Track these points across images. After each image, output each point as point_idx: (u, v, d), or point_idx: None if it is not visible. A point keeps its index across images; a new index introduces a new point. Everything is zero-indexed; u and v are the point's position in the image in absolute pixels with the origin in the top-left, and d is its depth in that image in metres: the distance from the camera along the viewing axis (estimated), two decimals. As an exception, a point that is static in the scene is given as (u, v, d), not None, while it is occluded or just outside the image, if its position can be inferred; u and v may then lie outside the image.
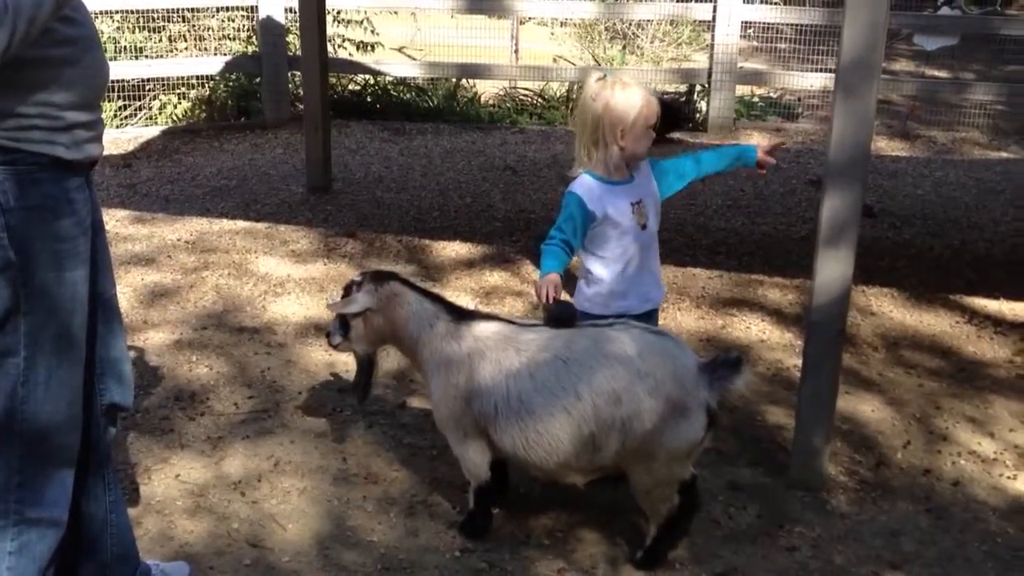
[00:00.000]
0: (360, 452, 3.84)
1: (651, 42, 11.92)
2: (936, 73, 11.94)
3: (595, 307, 3.40)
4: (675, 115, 9.18)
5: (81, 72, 2.31)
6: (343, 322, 3.33)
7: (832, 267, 3.44)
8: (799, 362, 3.79)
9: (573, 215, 3.31)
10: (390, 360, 4.41)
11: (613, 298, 3.42)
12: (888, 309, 5.35)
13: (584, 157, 3.40)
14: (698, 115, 9.54)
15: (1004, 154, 9.25)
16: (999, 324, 5.19)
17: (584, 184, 3.37)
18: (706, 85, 9.44)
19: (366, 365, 3.41)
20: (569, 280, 3.45)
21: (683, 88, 10.20)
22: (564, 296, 3.22)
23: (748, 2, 9.72)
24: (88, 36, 2.35)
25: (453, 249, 6.08)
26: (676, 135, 9.12)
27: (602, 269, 3.40)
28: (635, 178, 3.44)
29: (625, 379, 2.93)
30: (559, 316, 3.14)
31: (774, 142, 3.45)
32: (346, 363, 4.56)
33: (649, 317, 3.44)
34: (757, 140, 9.38)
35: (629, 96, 3.30)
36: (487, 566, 3.18)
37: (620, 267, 3.41)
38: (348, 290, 3.33)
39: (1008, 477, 3.80)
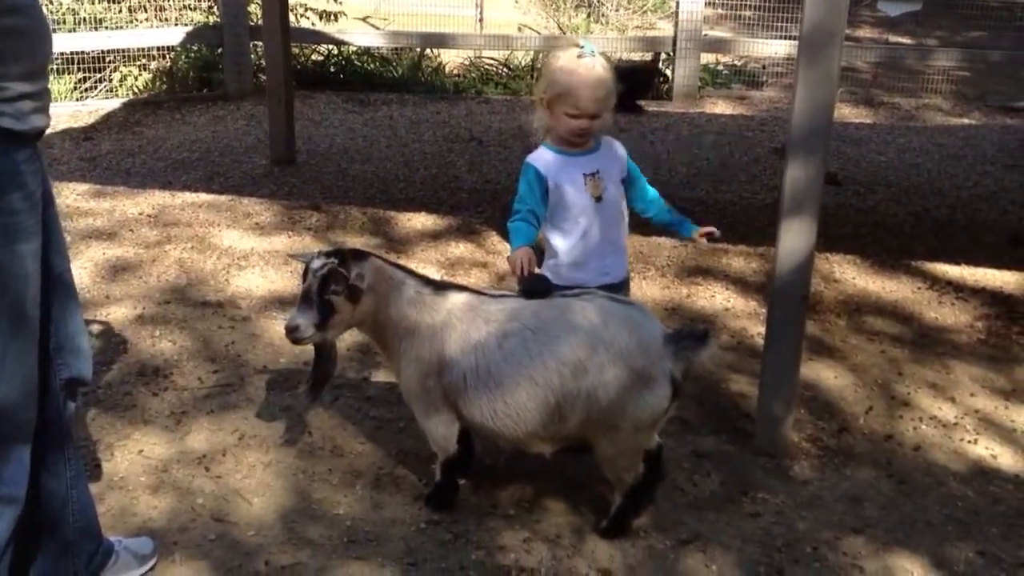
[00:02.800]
0: (325, 425, 3.83)
1: (616, 10, 11.88)
2: (899, 39, 12.00)
3: (554, 278, 3.41)
4: (643, 80, 9.13)
5: (26, 41, 2.26)
6: (325, 307, 3.01)
7: (795, 235, 3.45)
8: (763, 330, 3.81)
9: (532, 184, 3.33)
10: (354, 333, 4.39)
11: (568, 269, 3.41)
12: (851, 276, 5.39)
13: (538, 127, 3.43)
14: (663, 83, 9.53)
15: (966, 120, 9.33)
16: (960, 290, 5.24)
17: (539, 154, 3.39)
18: (671, 53, 9.43)
19: (329, 354, 3.22)
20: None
21: (648, 56, 10.16)
22: (539, 270, 3.22)
23: (713, -31, 9.72)
24: (31, 4, 2.30)
25: (419, 220, 6.05)
26: (642, 103, 9.10)
27: (559, 240, 3.40)
28: (596, 150, 3.42)
29: (590, 348, 2.93)
30: (533, 289, 3.13)
31: (709, 229, 3.48)
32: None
33: (616, 291, 3.43)
34: (721, 109, 9.40)
35: (579, 72, 3.27)
36: (453, 537, 3.18)
37: (574, 239, 3.40)
38: (307, 274, 3.03)
39: (968, 441, 3.84)
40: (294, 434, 3.77)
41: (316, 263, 3.00)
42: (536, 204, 3.31)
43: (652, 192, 3.58)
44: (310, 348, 4.37)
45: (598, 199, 3.38)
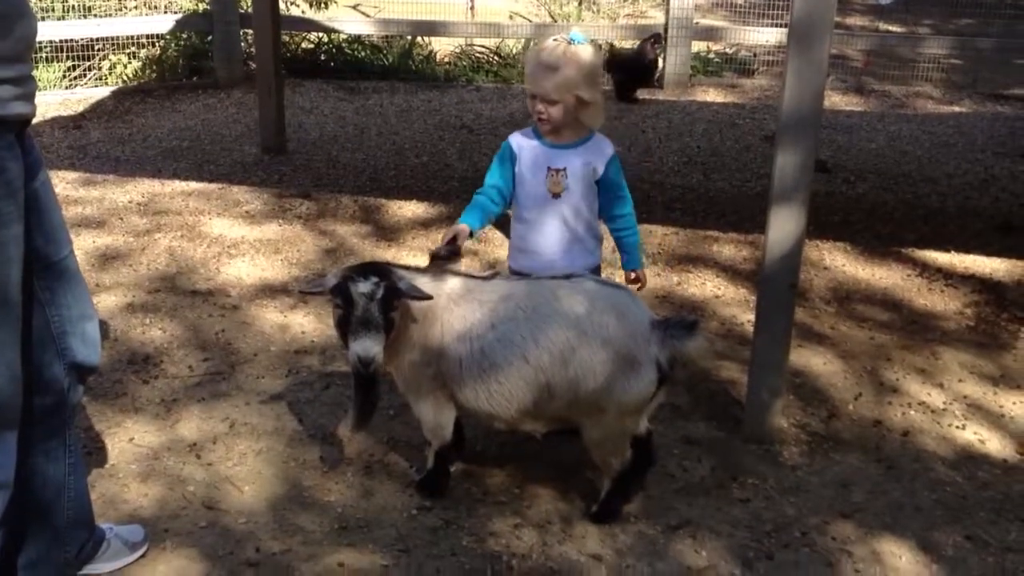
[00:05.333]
0: (316, 413, 3.83)
1: (607, -2, 11.87)
2: (890, 27, 12.01)
3: (510, 258, 3.47)
4: (641, 70, 9.07)
5: (7, 26, 2.24)
6: (390, 327, 2.91)
7: (785, 222, 3.46)
8: (753, 317, 3.82)
9: (503, 158, 3.42)
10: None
11: (515, 253, 3.50)
12: (841, 263, 5.41)
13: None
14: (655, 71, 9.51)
15: (957, 108, 9.33)
16: (950, 277, 5.26)
17: (521, 133, 3.47)
18: (662, 41, 9.41)
19: (375, 376, 3.02)
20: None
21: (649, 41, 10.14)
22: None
23: (704, -43, 9.70)
24: None
25: (409, 209, 6.05)
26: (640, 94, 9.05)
27: (515, 222, 3.49)
28: (578, 145, 3.42)
29: (578, 331, 2.95)
30: (438, 255, 3.20)
31: (636, 284, 3.52)
32: (302, 324, 4.54)
33: None
34: (713, 97, 9.39)
35: (541, 54, 3.31)
36: (443, 523, 3.19)
37: (525, 226, 3.46)
38: (354, 300, 2.87)
39: (957, 427, 3.86)
40: (284, 422, 3.77)
41: (364, 287, 2.87)
42: (501, 179, 3.41)
43: (625, 210, 3.53)
44: (301, 336, 4.40)
45: (555, 195, 3.39)
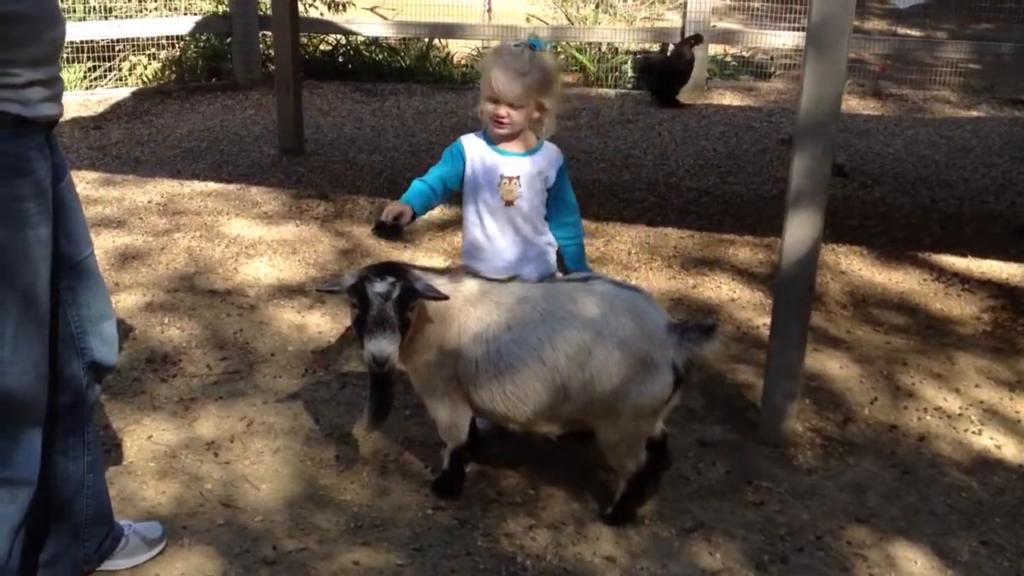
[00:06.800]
0: (332, 412, 3.85)
1: (624, 1, 11.85)
2: (908, 32, 11.96)
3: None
4: (677, 74, 9.02)
5: (32, 27, 2.27)
6: (405, 327, 2.94)
7: (801, 226, 3.46)
8: (768, 320, 3.82)
9: (453, 155, 3.42)
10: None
11: (468, 259, 3.51)
12: (857, 267, 5.40)
13: (483, 117, 3.45)
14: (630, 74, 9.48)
15: (975, 112, 9.30)
16: (967, 281, 5.24)
17: (472, 136, 3.46)
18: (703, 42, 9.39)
19: (390, 376, 3.08)
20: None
21: (656, 48, 10.14)
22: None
23: (722, -40, 9.70)
24: None
25: (425, 210, 6.05)
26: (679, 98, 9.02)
27: (468, 226, 3.50)
28: (531, 153, 3.42)
29: (594, 332, 2.97)
30: (381, 231, 3.18)
31: None
32: (319, 324, 4.56)
33: None
34: (729, 100, 9.39)
35: (502, 57, 3.31)
36: (458, 523, 3.21)
37: (474, 231, 3.48)
38: (369, 300, 2.89)
39: (973, 432, 3.86)
40: (301, 421, 3.79)
41: (380, 287, 2.89)
42: (447, 175, 3.40)
43: (572, 217, 3.53)
44: (318, 336, 4.42)
45: (509, 203, 3.40)
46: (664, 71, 8.93)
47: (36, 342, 2.43)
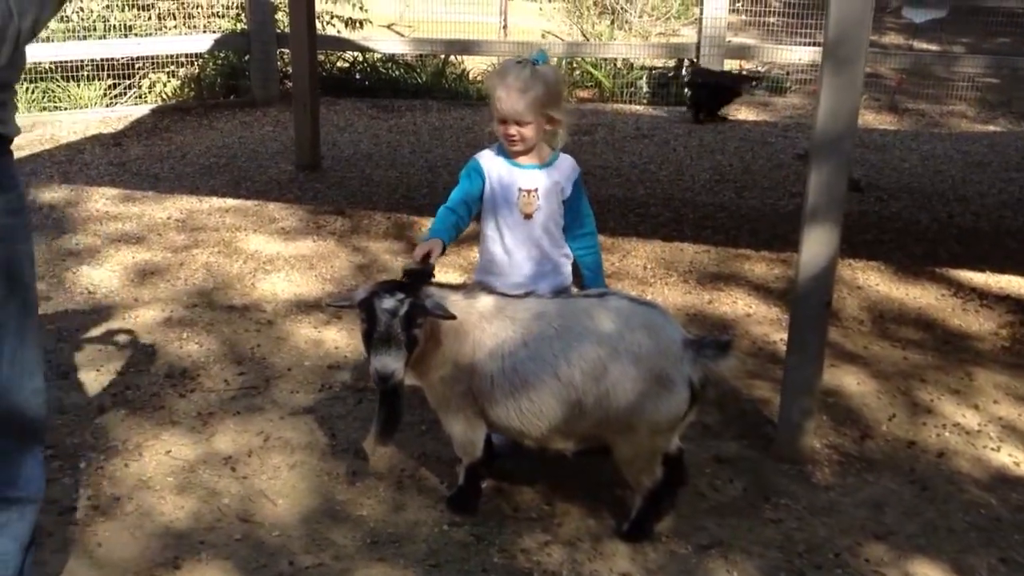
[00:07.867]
0: (349, 428, 3.86)
1: (640, 16, 11.88)
2: (925, 46, 11.94)
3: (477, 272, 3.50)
4: (723, 91, 9.09)
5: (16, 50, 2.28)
6: (412, 344, 2.93)
7: (818, 241, 3.46)
8: (785, 336, 3.81)
9: (471, 175, 3.42)
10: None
11: (484, 274, 3.49)
12: (874, 283, 5.38)
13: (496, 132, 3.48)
14: (686, 91, 9.53)
15: (992, 127, 9.28)
16: (984, 297, 5.22)
17: (487, 153, 3.47)
18: (695, 60, 9.43)
19: (401, 392, 3.11)
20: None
21: (671, 63, 10.16)
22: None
23: (737, -25, 9.73)
24: None
25: (442, 226, 6.07)
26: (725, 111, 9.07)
27: (484, 240, 3.50)
28: (546, 165, 3.43)
29: (610, 348, 2.97)
30: (412, 273, 3.13)
31: None
32: (335, 340, 4.58)
33: None
34: (745, 115, 9.39)
35: (506, 78, 3.31)
36: (474, 539, 3.21)
37: (493, 246, 3.47)
38: (377, 316, 2.89)
39: (992, 449, 3.84)
40: (318, 436, 3.80)
41: (388, 303, 2.89)
42: (469, 196, 3.40)
43: (588, 228, 3.53)
44: (334, 351, 4.44)
45: (527, 216, 3.40)
46: (707, 84, 8.97)
47: (33, 356, 2.43)
